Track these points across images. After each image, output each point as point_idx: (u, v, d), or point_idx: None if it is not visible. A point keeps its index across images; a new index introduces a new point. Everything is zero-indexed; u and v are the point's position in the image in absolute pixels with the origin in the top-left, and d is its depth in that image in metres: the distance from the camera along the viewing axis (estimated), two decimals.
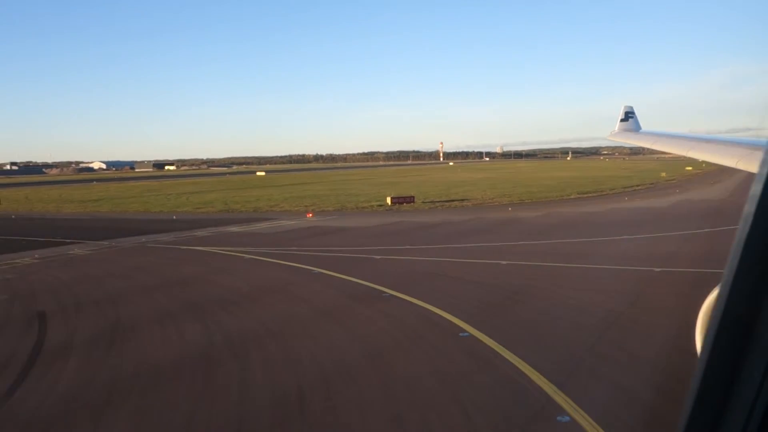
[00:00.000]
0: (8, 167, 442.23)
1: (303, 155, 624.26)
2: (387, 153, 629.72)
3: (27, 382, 16.26)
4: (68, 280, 30.44)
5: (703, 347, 1.75)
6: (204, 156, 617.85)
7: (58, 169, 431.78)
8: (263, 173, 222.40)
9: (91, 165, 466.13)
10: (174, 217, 62.32)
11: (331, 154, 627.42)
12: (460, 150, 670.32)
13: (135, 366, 17.24)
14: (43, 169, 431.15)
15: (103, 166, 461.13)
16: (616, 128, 21.71)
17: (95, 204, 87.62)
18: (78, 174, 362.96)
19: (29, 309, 24.52)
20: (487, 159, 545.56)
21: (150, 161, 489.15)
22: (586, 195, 78.08)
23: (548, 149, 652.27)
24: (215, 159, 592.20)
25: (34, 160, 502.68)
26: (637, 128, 21.55)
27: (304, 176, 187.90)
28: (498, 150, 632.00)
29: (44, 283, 29.70)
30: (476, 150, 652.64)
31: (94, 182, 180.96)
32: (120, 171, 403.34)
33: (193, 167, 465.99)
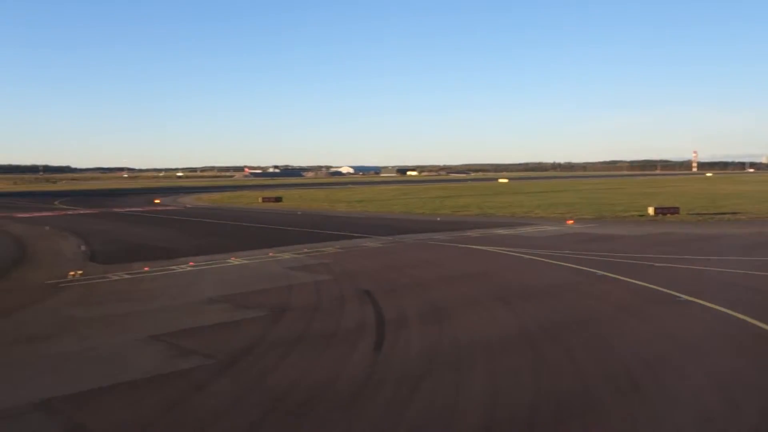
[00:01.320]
0: (271, 169, 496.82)
1: (540, 163, 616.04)
2: (631, 162, 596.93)
3: (386, 342, 20.15)
4: (375, 267, 35.34)
5: None
6: (441, 162, 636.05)
7: (313, 173, 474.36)
8: (506, 180, 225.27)
9: (340, 169, 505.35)
10: (438, 218, 66.97)
11: (569, 163, 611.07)
12: (717, 160, 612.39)
13: (468, 339, 20.39)
14: (301, 173, 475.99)
15: (351, 170, 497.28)
16: None
17: (360, 204, 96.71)
18: (330, 177, 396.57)
19: (356, 288, 29.25)
20: (751, 170, 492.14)
21: (393, 167, 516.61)
22: None
23: None
24: (452, 165, 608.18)
25: (290, 164, 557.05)
26: None
27: (547, 184, 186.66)
28: (764, 160, 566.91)
29: (356, 269, 34.83)
30: (737, 160, 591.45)
31: (350, 185, 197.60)
32: (367, 175, 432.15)
33: (432, 173, 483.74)
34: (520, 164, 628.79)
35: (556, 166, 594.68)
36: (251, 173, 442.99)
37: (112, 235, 55.59)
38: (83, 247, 46.32)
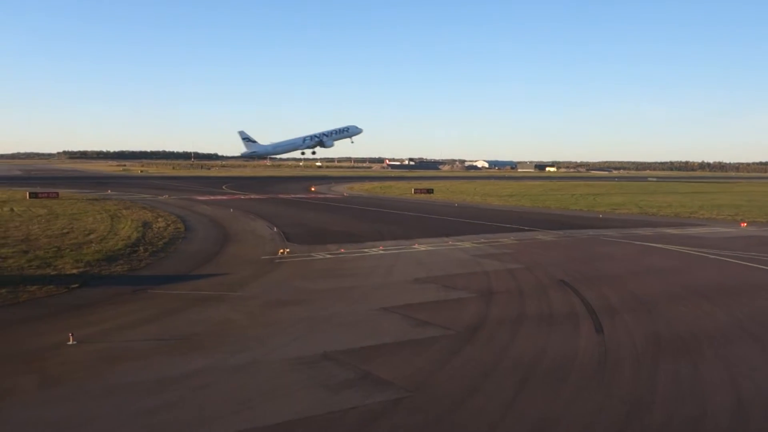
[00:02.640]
0: (407, 162, 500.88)
1: (686, 162, 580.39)
2: None
3: (606, 327, 21.75)
4: (560, 259, 36.94)
5: None
6: (578, 159, 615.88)
7: (449, 166, 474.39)
8: (655, 179, 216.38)
9: (475, 163, 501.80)
10: (600, 215, 66.83)
11: (720, 162, 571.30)
12: None
13: (685, 329, 21.60)
14: (438, 165, 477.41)
15: (486, 164, 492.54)
16: None
17: (513, 198, 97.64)
18: (467, 171, 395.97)
19: (551, 277, 30.97)
20: None
21: (530, 162, 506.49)
22: None
23: None
24: (590, 162, 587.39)
25: (425, 157, 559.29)
26: None
27: (701, 185, 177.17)
28: None
29: (541, 260, 36.52)
30: None
31: (493, 179, 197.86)
32: (503, 170, 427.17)
33: (571, 169, 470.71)
34: (663, 162, 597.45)
35: (704, 166, 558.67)
36: (389, 165, 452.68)
37: (293, 218, 60.51)
38: (275, 229, 51.05)
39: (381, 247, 41.09)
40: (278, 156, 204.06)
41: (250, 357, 18.17)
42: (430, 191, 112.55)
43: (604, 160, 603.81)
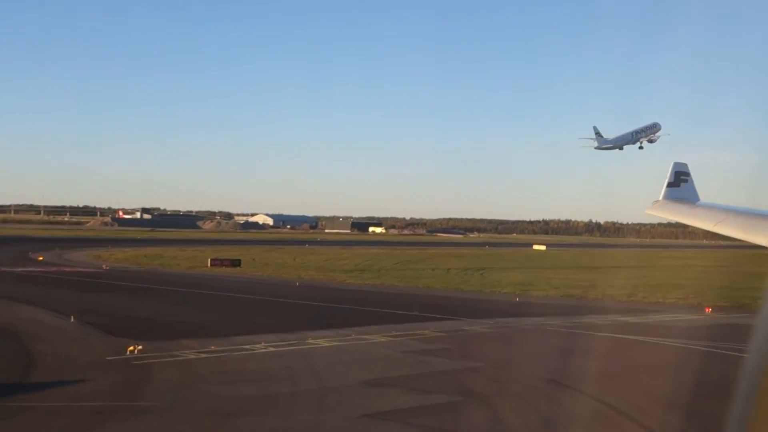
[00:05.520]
0: (139, 215, 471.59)
1: (568, 221, 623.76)
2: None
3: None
4: (519, 355, 44.22)
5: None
6: (407, 214, 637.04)
7: (213, 222, 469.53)
8: (543, 247, 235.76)
9: (254, 218, 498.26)
10: (516, 299, 76.32)
11: (615, 223, 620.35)
12: None
13: None
14: (197, 222, 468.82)
15: (270, 221, 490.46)
16: (661, 195, 23.15)
17: (362, 274, 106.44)
18: (246, 232, 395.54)
19: (535, 376, 37.91)
20: None
21: (342, 218, 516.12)
22: None
23: None
24: (426, 219, 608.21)
25: (160, 206, 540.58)
26: (692, 197, 22.85)
27: (610, 255, 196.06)
28: None
29: (499, 357, 43.57)
30: None
31: (307, 245, 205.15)
32: (299, 229, 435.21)
33: (405, 230, 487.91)
34: (534, 222, 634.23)
35: (592, 227, 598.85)
36: (112, 219, 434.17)
37: (78, 303, 62.41)
38: (72, 319, 53.19)
39: (263, 344, 45.88)
40: None
41: None
42: (236, 263, 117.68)
43: (445, 216, 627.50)
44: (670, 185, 22.86)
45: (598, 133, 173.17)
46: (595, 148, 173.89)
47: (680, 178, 22.92)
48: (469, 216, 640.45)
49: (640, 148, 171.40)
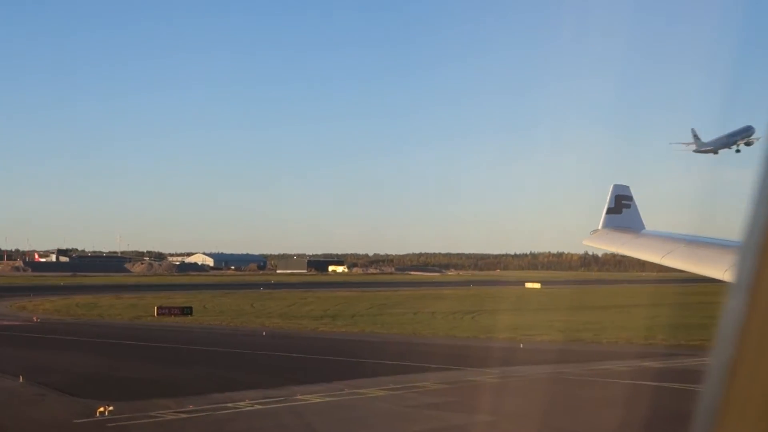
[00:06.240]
0: (55, 258, 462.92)
1: (560, 254, 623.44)
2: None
3: None
4: (537, 407, 44.02)
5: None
6: (365, 251, 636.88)
7: (143, 264, 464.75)
8: (537, 285, 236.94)
9: (192, 259, 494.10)
10: (521, 345, 76.68)
11: (614, 255, 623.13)
12: None
13: None
14: (124, 264, 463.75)
15: (210, 261, 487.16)
16: (600, 223, 23.52)
17: (333, 321, 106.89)
18: (185, 274, 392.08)
19: (559, 429, 37.90)
20: None
21: (296, 255, 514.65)
22: None
23: None
24: (393, 255, 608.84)
25: (78, 247, 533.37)
26: (635, 225, 23.15)
27: (623, 291, 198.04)
28: None
29: (514, 409, 43.61)
30: None
31: (261, 288, 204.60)
32: (246, 271, 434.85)
33: (370, 269, 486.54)
34: (503, 255, 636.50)
35: (588, 260, 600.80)
36: (24, 264, 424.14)
37: (22, 363, 61.81)
38: (20, 379, 52.71)
39: (247, 401, 45.68)
40: None
41: None
42: (187, 311, 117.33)
43: (414, 252, 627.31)
44: (609, 211, 22.48)
45: (696, 136, 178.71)
46: (694, 150, 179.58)
47: (621, 203, 22.58)
48: (443, 251, 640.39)
49: (737, 151, 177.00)
